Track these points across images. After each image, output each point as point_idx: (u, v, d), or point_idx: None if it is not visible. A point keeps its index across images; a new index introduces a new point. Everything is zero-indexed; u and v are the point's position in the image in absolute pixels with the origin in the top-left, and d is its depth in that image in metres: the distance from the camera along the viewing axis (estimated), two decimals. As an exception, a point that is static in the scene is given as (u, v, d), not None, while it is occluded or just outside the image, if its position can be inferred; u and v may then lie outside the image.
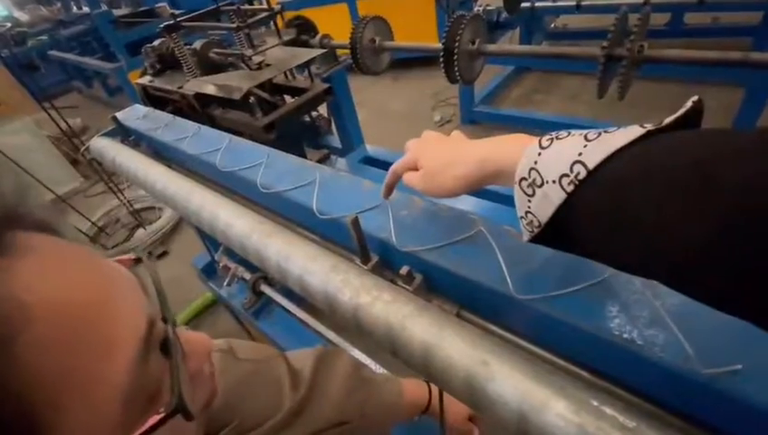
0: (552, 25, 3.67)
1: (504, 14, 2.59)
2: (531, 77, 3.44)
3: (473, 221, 0.48)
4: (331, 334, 1.05)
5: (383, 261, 0.51)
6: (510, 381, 0.32)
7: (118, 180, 3.29)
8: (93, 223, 2.77)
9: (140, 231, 2.70)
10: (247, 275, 1.28)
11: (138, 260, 0.31)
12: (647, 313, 0.34)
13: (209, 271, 1.44)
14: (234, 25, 1.09)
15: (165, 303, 0.28)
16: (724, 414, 0.30)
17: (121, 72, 3.93)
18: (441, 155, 0.42)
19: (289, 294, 1.27)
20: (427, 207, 0.52)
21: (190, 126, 0.91)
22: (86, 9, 5.31)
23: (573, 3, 2.64)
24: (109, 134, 1.03)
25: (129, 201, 2.63)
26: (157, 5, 3.98)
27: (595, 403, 0.30)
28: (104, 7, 3.98)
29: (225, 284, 1.30)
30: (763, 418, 0.28)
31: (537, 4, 2.82)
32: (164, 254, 2.56)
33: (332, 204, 0.56)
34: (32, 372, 0.17)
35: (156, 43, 1.59)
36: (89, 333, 0.20)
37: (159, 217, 2.74)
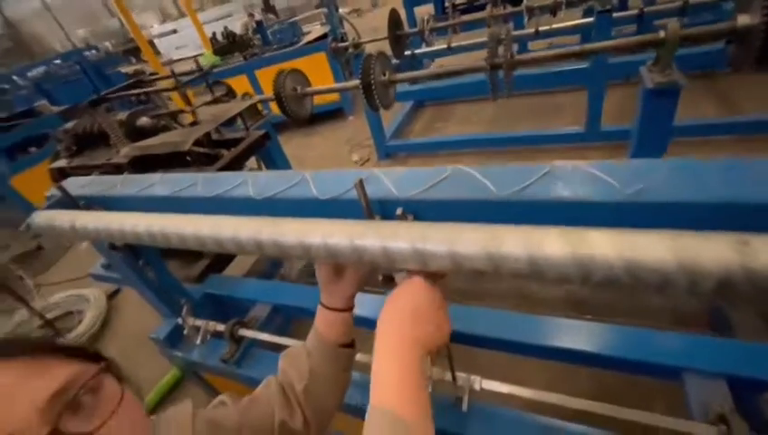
0: (432, 67, 4.29)
1: (394, 61, 2.99)
2: (428, 110, 3.92)
3: (445, 169, 0.62)
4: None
5: (383, 218, 0.62)
6: (515, 236, 0.45)
7: (24, 291, 2.86)
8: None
9: (59, 342, 2.34)
10: (220, 327, 1.24)
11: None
12: (583, 175, 0.51)
13: (173, 339, 1.34)
14: (172, 86, 1.16)
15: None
16: (642, 216, 0.47)
17: (0, 178, 3.52)
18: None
19: (269, 328, 1.26)
20: (407, 171, 0.65)
21: (150, 176, 0.93)
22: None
23: (445, 46, 3.16)
24: (50, 207, 0.99)
25: (39, 312, 2.31)
26: (36, 104, 3.73)
27: (574, 235, 0.44)
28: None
29: (197, 342, 1.24)
30: (660, 208, 0.45)
31: (416, 51, 3.31)
32: (95, 358, 2.25)
33: (327, 189, 0.66)
34: None
35: (68, 125, 1.55)
36: None
37: (81, 321, 2.42)
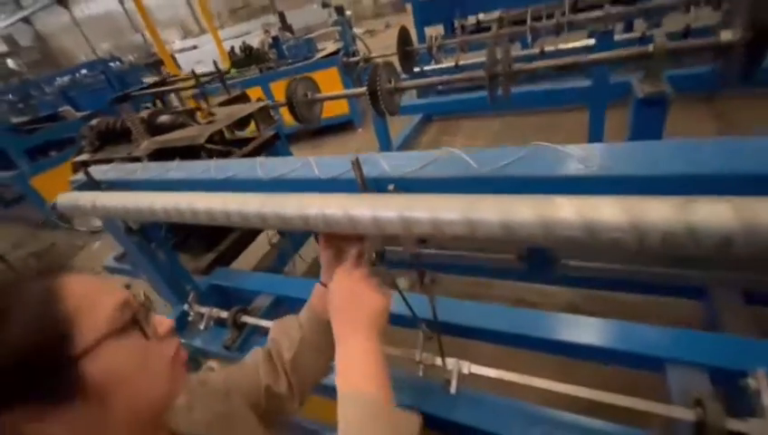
0: (440, 86, 4.42)
1: (403, 76, 3.10)
2: (435, 125, 4.02)
3: (436, 151, 0.68)
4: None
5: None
6: (490, 203, 0.50)
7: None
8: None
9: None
10: (224, 314, 1.29)
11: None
12: (557, 155, 0.56)
13: (179, 325, 1.40)
14: (191, 84, 1.25)
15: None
16: (606, 189, 0.52)
17: (22, 178, 3.66)
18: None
19: (270, 316, 1.31)
20: (401, 153, 0.71)
21: (167, 163, 1.01)
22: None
23: (453, 64, 3.28)
24: (75, 190, 1.07)
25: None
26: (60, 109, 3.92)
27: (541, 200, 0.49)
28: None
29: (201, 327, 1.29)
30: (621, 181, 0.50)
31: (425, 67, 3.43)
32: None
33: (328, 170, 0.72)
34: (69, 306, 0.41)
35: (93, 122, 1.66)
36: (88, 300, 0.43)
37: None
